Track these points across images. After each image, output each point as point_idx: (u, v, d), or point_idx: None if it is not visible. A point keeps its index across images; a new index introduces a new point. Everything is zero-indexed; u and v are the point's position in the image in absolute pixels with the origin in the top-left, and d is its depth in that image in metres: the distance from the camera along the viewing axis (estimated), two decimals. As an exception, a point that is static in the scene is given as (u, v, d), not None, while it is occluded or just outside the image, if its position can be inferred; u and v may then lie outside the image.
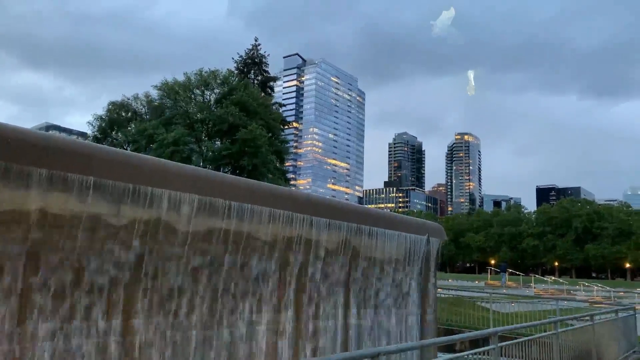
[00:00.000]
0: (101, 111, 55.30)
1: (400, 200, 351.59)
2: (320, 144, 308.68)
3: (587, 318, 10.19)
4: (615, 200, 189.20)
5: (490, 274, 59.08)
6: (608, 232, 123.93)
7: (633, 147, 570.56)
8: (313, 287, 8.61)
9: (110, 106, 55.53)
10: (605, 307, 16.44)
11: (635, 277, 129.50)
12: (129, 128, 53.20)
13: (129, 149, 53.37)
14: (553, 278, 62.36)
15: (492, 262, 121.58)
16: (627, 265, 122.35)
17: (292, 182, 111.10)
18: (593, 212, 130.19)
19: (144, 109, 55.76)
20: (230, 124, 45.36)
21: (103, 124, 54.88)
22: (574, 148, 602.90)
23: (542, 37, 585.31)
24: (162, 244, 6.14)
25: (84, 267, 5.49)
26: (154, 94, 51.69)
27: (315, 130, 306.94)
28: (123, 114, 55.80)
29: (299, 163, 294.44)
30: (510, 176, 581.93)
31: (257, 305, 7.47)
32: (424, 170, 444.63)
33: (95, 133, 55.33)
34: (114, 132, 56.12)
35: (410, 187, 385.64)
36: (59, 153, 5.21)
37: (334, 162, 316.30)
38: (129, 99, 56.09)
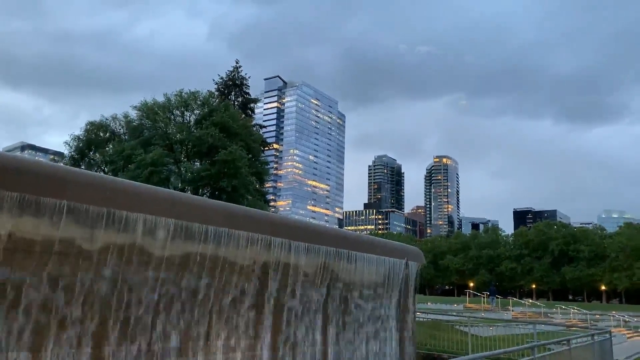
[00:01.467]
0: (79, 131, 54.61)
1: (380, 222, 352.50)
2: (300, 166, 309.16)
3: (565, 342, 10.24)
4: (590, 223, 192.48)
5: (469, 296, 59.24)
6: (584, 254, 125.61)
7: (606, 171, 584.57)
8: (291, 312, 8.51)
9: (88, 126, 54.88)
10: (581, 331, 16.56)
11: (610, 299, 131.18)
12: (107, 148, 52.56)
13: (106, 169, 52.69)
14: (531, 301, 62.77)
15: (471, 284, 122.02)
16: (603, 287, 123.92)
17: (272, 204, 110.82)
18: (569, 235, 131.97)
19: (122, 130, 55.22)
20: (209, 145, 45.14)
21: (80, 144, 54.13)
22: (549, 172, 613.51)
23: (518, 64, 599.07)
24: (137, 269, 6.02)
25: (55, 292, 5.34)
26: (133, 114, 51.31)
27: (296, 151, 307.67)
28: (101, 134, 55.15)
29: (279, 184, 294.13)
30: (487, 199, 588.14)
31: (234, 331, 7.34)
32: (403, 192, 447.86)
33: (73, 153, 54.53)
34: (91, 153, 55.39)
35: (390, 209, 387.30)
36: (31, 176, 5.10)
37: (314, 183, 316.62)
38: (107, 119, 55.53)
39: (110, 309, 5.80)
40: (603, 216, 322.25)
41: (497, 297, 49.07)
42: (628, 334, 38.67)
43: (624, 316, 46.24)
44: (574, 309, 48.07)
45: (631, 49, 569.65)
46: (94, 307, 5.65)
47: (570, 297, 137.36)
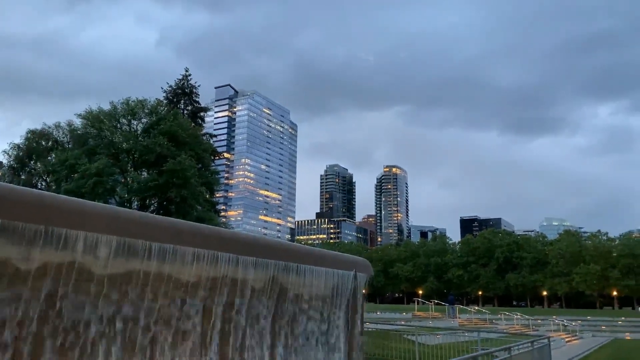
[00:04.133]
0: (19, 139, 52.46)
1: (332, 231, 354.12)
2: (252, 175, 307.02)
3: (506, 350, 10.60)
4: (533, 231, 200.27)
5: (418, 304, 60.29)
6: (527, 261, 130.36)
7: (547, 181, 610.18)
8: (238, 328, 8.43)
9: (29, 134, 52.76)
10: (522, 337, 17.17)
11: (552, 303, 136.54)
12: (49, 158, 50.61)
13: (49, 179, 50.67)
14: (477, 308, 64.50)
15: (420, 292, 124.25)
16: (544, 293, 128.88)
17: (222, 214, 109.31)
18: (513, 243, 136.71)
19: (66, 138, 53.35)
20: (157, 155, 44.21)
21: (20, 153, 51.99)
22: (494, 181, 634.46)
23: (465, 76, 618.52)
24: (77, 288, 5.84)
25: (-13, 316, 5.11)
26: (78, 122, 49.62)
27: (247, 161, 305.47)
28: (43, 143, 53.14)
29: (230, 194, 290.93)
30: (435, 207, 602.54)
31: (180, 349, 7.21)
32: (354, 201, 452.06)
33: (12, 163, 52.28)
34: (32, 162, 53.25)
35: (342, 218, 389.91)
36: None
37: (266, 193, 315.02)
38: (49, 128, 53.58)
39: (49, 329, 5.60)
40: (544, 224, 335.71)
41: (457, 306, 50.23)
42: (567, 337, 40.36)
43: (563, 321, 48.24)
44: (517, 314, 49.74)
45: (569, 64, 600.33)
46: (31, 328, 5.43)
47: (515, 303, 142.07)
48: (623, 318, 62.22)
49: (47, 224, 5.41)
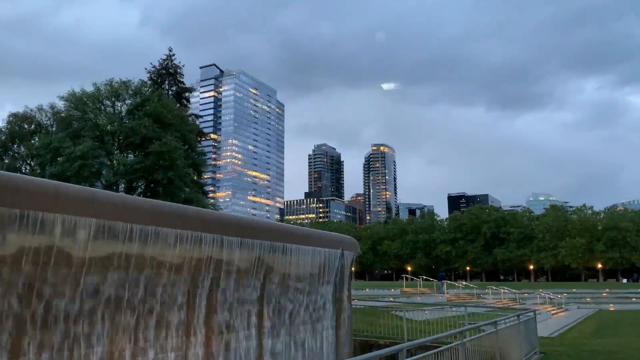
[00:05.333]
0: (1, 123, 51.63)
1: (321, 210, 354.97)
2: (239, 156, 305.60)
3: (492, 325, 10.71)
4: (520, 206, 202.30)
5: (406, 280, 60.88)
6: (513, 236, 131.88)
7: (533, 157, 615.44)
8: (225, 308, 8.40)
9: (10, 118, 51.91)
10: (509, 311, 17.39)
11: (538, 277, 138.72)
12: (32, 141, 49.90)
13: (33, 163, 50.00)
14: (464, 283, 65.31)
15: (409, 268, 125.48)
16: (531, 267, 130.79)
17: (210, 195, 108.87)
18: (500, 218, 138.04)
19: (49, 121, 52.58)
20: (143, 137, 43.72)
21: (3, 137, 51.22)
22: (481, 157, 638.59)
23: (451, 52, 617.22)
24: (56, 272, 5.73)
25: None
26: (60, 105, 48.81)
27: (235, 142, 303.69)
28: (26, 127, 52.35)
29: (218, 175, 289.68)
30: (423, 185, 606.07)
31: (166, 331, 7.16)
32: (343, 180, 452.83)
33: (-6, 147, 51.55)
34: (15, 146, 52.50)
35: (330, 198, 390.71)
36: None
37: (254, 173, 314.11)
38: (32, 111, 52.73)
39: (28, 315, 5.50)
40: (531, 199, 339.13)
41: (445, 281, 50.83)
42: (552, 310, 41.07)
43: (549, 294, 49.02)
44: (504, 289, 50.43)
45: (554, 39, 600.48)
46: (9, 314, 5.34)
47: (502, 278, 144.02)
48: (607, 290, 63.44)
49: (21, 208, 5.29)
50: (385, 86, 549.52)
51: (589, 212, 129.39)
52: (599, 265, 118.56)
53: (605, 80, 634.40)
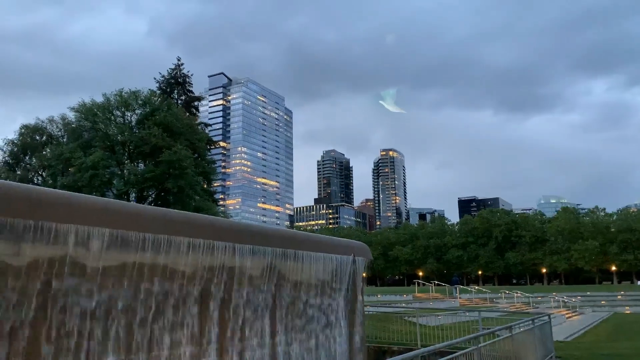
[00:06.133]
0: (14, 135, 52.28)
1: (331, 216, 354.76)
2: (249, 163, 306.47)
3: (507, 330, 10.60)
4: (531, 209, 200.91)
5: (418, 286, 60.55)
6: (525, 240, 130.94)
7: (543, 159, 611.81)
8: (238, 317, 8.38)
9: (22, 130, 52.54)
10: (523, 315, 17.22)
11: (551, 281, 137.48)
12: (44, 152, 50.42)
13: (44, 174, 50.47)
14: (477, 287, 64.84)
15: (420, 273, 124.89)
16: (544, 270, 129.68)
17: (221, 203, 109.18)
18: (511, 222, 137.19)
19: (60, 132, 53.13)
20: (153, 146, 44.02)
21: (15, 149, 51.81)
22: (491, 160, 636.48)
23: (457, 56, 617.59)
24: (70, 282, 5.75)
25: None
26: (71, 116, 49.39)
27: (244, 149, 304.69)
28: (37, 138, 52.93)
29: (228, 183, 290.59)
30: (433, 189, 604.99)
31: (178, 340, 7.15)
32: (352, 186, 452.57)
33: (7, 159, 52.17)
34: (27, 157, 53.06)
35: (340, 204, 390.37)
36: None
37: (263, 181, 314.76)
38: (43, 122, 53.33)
39: (44, 325, 5.52)
40: (542, 202, 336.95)
41: (458, 286, 50.47)
42: (567, 314, 40.64)
43: (563, 297, 48.55)
44: (517, 293, 50.03)
45: (562, 40, 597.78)
46: (24, 325, 5.35)
47: (514, 281, 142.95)
48: (622, 292, 62.71)
49: (36, 219, 5.31)
50: (392, 91, 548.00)
51: (602, 214, 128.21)
52: (613, 268, 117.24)
53: (614, 80, 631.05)
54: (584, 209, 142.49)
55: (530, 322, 12.70)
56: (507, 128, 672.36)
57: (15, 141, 52.26)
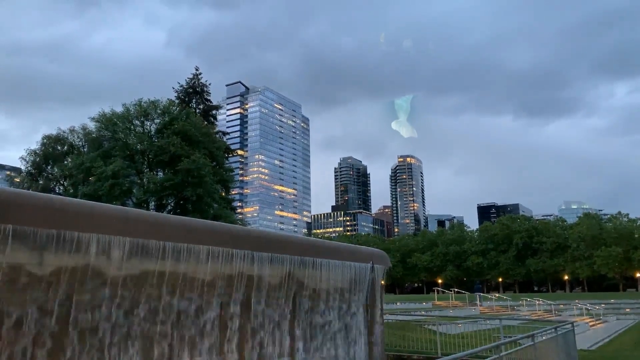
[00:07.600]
0: (36, 145, 53.23)
1: (348, 223, 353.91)
2: (266, 171, 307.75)
3: (529, 338, 10.42)
4: (552, 215, 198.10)
5: (438, 293, 59.99)
6: (546, 246, 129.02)
7: (564, 164, 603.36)
8: (257, 325, 8.38)
9: (44, 140, 53.45)
10: (545, 323, 16.93)
11: (573, 288, 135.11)
12: (65, 162, 51.23)
13: (66, 183, 51.27)
14: (497, 295, 63.98)
15: (440, 281, 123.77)
16: (565, 277, 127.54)
17: (238, 211, 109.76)
18: (532, 228, 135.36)
19: (81, 142, 53.96)
20: (172, 154, 44.48)
21: (37, 159, 52.72)
22: (511, 166, 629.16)
23: (476, 61, 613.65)
24: (91, 291, 5.81)
25: (3, 322, 5.09)
26: (92, 126, 50.19)
27: (261, 157, 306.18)
28: (59, 148, 53.79)
29: (246, 191, 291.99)
30: (452, 195, 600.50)
31: (198, 349, 7.18)
32: (369, 193, 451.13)
33: (29, 168, 53.07)
34: (49, 167, 53.93)
35: (357, 211, 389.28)
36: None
37: (281, 188, 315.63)
38: (64, 132, 54.21)
39: (66, 334, 5.58)
40: (563, 207, 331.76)
41: (478, 294, 50.02)
42: (591, 322, 39.87)
43: (586, 305, 47.66)
44: (539, 300, 49.25)
45: (583, 43, 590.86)
46: (46, 334, 5.42)
47: (536, 289, 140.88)
48: (647, 300, 61.38)
49: (58, 228, 5.39)
50: (410, 97, 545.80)
51: (625, 219, 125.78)
52: (638, 275, 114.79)
53: (636, 83, 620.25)
54: (607, 214, 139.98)
55: (553, 330, 12.47)
56: (527, 133, 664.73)
57: (38, 151, 53.16)
